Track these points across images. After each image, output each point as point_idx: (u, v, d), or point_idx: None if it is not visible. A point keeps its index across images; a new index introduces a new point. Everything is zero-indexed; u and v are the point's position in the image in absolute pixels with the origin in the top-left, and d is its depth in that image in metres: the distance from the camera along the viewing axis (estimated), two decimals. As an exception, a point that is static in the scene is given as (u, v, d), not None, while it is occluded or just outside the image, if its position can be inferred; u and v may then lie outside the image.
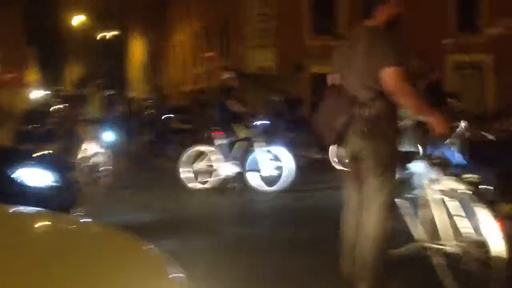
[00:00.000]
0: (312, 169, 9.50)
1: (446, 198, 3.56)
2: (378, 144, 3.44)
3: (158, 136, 14.65)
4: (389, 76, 3.33)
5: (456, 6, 19.89)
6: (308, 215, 6.44)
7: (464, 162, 3.60)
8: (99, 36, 55.27)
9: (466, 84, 17.51)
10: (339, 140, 3.52)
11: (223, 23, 23.01)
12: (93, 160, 9.20)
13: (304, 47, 18.92)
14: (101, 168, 9.05)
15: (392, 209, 3.53)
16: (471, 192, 3.30)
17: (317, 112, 3.70)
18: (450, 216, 3.53)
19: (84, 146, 9.62)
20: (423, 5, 18.04)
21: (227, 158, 8.22)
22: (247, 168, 8.01)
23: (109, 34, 54.45)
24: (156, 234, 5.49)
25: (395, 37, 3.49)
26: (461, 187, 3.38)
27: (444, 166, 3.77)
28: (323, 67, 18.73)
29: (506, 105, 12.30)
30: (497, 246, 3.18)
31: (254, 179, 7.97)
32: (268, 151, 8.08)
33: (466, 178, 3.42)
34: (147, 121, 15.33)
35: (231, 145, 8.29)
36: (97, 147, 9.23)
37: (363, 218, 3.56)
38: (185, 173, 8.29)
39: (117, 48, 54.00)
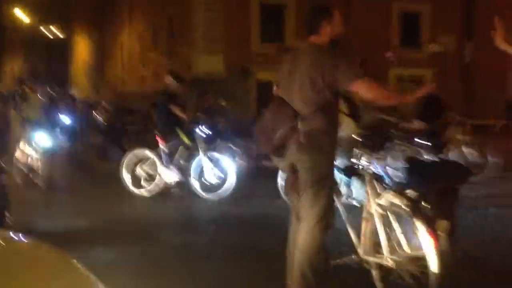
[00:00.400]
0: (257, 176, 9.48)
1: (386, 213, 3.61)
2: (316, 156, 3.48)
3: (104, 138, 14.28)
4: (362, 88, 3.49)
5: (399, 22, 20.57)
6: (250, 223, 6.40)
7: (404, 177, 3.67)
8: (42, 33, 53.68)
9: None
10: (278, 151, 3.53)
11: (169, 25, 22.81)
12: (29, 162, 8.85)
13: (251, 54, 19.00)
14: (37, 171, 8.70)
15: (327, 221, 3.55)
16: (410, 208, 3.36)
17: (258, 121, 3.70)
18: (389, 230, 3.59)
19: (20, 147, 9.25)
20: (367, 20, 18.54)
21: (170, 163, 8.12)
22: (190, 174, 7.91)
23: (52, 31, 53.01)
24: (89, 242, 5.34)
25: (342, 52, 3.58)
26: (401, 202, 3.43)
27: (383, 180, 3.82)
28: (269, 74, 18.94)
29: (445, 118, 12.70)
30: (433, 261, 3.25)
31: (197, 186, 7.88)
32: (212, 158, 8.01)
33: (406, 193, 3.48)
34: (92, 122, 14.79)
35: (175, 150, 8.18)
36: (33, 148, 8.87)
37: (299, 229, 3.57)
38: (126, 177, 8.11)
39: (61, 46, 52.62)
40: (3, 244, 2.13)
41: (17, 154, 9.18)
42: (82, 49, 45.78)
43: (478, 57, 20.92)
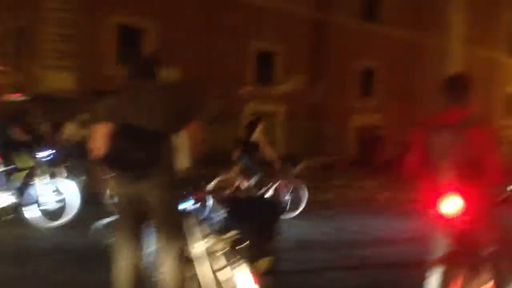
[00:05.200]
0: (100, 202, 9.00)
1: (207, 257, 3.52)
2: (171, 186, 3.51)
3: None
4: (198, 129, 3.61)
5: (255, 61, 21.46)
6: (90, 254, 5.97)
7: (221, 218, 3.64)
8: None
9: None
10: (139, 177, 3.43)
11: (19, 36, 21.41)
12: None
13: (105, 75, 18.45)
14: None
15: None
16: (230, 251, 3.33)
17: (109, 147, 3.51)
18: (211, 272, 3.49)
19: None
20: (225, 58, 19.12)
21: (6, 186, 7.44)
22: (25, 201, 7.32)
23: None
24: None
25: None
26: (219, 244, 3.40)
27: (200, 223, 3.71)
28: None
29: (297, 152, 13.33)
30: None
31: (32, 213, 7.29)
32: (51, 183, 7.50)
33: (225, 234, 3.44)
34: None
35: (9, 174, 7.56)
36: None
37: (162, 267, 3.48)
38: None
39: None
40: None
41: None
42: None
43: (328, 96, 22.44)
